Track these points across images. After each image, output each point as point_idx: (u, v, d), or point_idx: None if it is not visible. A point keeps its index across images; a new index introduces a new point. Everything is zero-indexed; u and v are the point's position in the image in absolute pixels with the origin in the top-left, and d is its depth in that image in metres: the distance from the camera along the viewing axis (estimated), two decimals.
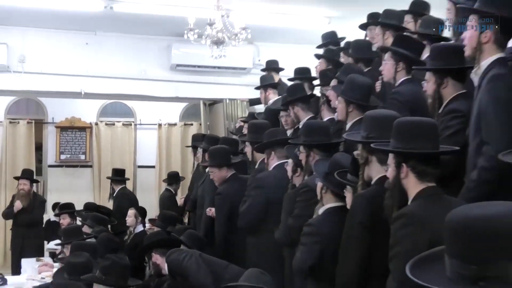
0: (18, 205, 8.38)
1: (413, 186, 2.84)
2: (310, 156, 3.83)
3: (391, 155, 2.93)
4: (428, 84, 3.60)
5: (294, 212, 4.18)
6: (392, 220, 2.85)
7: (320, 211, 3.83)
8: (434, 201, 2.80)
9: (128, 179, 9.38)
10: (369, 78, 4.80)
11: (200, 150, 7.11)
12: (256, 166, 5.55)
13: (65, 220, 7.64)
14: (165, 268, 5.12)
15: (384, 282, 3.03)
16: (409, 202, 2.87)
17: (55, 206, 8.80)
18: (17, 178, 8.78)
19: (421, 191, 2.82)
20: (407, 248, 2.68)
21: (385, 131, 3.16)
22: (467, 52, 3.22)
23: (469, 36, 3.18)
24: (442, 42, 4.19)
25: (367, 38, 5.97)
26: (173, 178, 8.85)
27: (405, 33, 4.86)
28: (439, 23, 4.70)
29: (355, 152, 3.56)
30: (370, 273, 3.29)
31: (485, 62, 3.10)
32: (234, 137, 7.17)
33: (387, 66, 4.23)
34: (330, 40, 6.70)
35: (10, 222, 9.05)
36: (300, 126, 5.04)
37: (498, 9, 3.02)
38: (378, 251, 3.21)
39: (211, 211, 6.09)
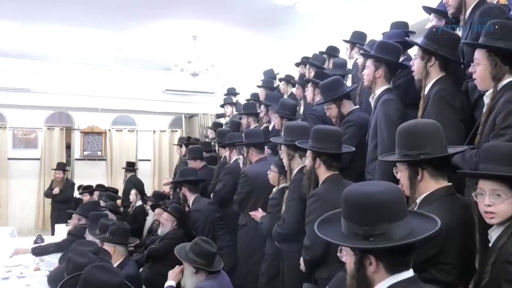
0: (56, 190, 8.28)
1: (323, 173, 2.89)
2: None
3: (309, 151, 2.94)
4: (332, 108, 3.58)
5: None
6: (308, 197, 2.90)
7: (275, 190, 3.74)
8: (335, 184, 2.81)
9: (137, 168, 9.24)
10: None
11: (183, 148, 7.04)
12: (221, 160, 5.44)
13: (86, 197, 7.52)
14: (191, 199, 5.06)
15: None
16: (319, 184, 2.90)
17: (79, 187, 8.66)
18: (54, 169, 8.65)
19: (328, 177, 2.88)
20: (317, 217, 2.68)
21: (301, 136, 3.22)
22: (366, 83, 3.16)
23: (367, 73, 3.10)
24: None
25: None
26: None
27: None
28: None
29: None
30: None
31: (378, 91, 3.05)
32: (208, 140, 7.11)
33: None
34: (269, 76, 6.56)
35: (45, 199, 8.94)
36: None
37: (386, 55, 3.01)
38: None
39: None
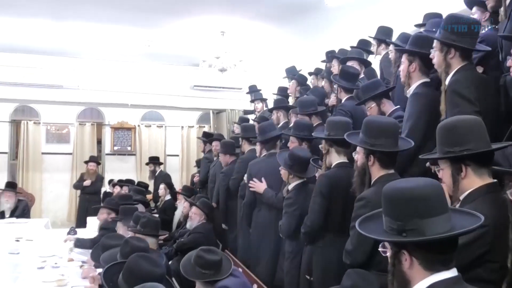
0: (87, 182, 8.46)
1: (376, 172, 2.57)
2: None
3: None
4: (372, 107, 3.51)
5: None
6: (356, 199, 2.62)
7: (290, 187, 3.78)
8: None
9: (162, 163, 9.37)
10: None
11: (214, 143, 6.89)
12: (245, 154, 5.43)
13: (116, 190, 7.68)
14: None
15: (337, 237, 3.00)
16: (372, 182, 2.61)
17: (110, 181, 8.84)
18: (86, 162, 8.84)
19: (381, 177, 2.54)
20: None
21: (339, 130, 3.14)
22: (402, 79, 3.06)
23: (402, 68, 3.01)
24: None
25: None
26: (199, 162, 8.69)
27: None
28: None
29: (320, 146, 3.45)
30: (326, 229, 3.22)
31: (413, 86, 2.94)
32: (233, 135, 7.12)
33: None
34: (292, 73, 6.47)
35: (77, 192, 9.13)
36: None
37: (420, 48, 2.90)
38: (332, 214, 3.19)
39: None
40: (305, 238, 3.41)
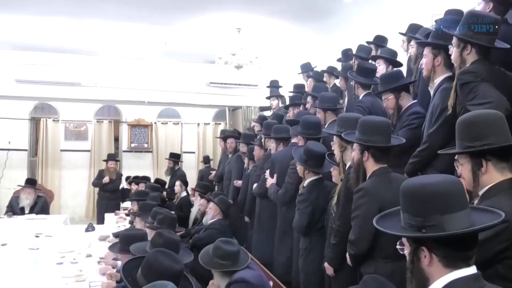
0: (106, 179, 8.43)
1: (371, 166, 2.78)
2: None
3: (356, 144, 2.82)
4: (389, 99, 3.45)
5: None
6: (354, 192, 2.79)
7: (305, 184, 3.79)
8: (383, 178, 2.73)
9: (182, 161, 9.40)
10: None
11: (228, 140, 7.01)
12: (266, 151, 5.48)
13: (134, 187, 7.74)
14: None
15: None
16: (367, 178, 2.80)
17: (127, 178, 8.92)
18: (106, 161, 8.79)
19: (376, 170, 2.76)
20: (363, 212, 2.68)
21: (351, 127, 3.09)
22: (425, 73, 3.03)
23: (425, 62, 3.00)
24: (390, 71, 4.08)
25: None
26: (207, 158, 8.93)
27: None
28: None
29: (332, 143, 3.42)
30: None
31: (437, 80, 2.93)
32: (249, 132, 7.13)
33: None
34: (307, 69, 6.53)
35: (95, 189, 9.20)
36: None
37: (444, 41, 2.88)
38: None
39: (237, 183, 6.10)
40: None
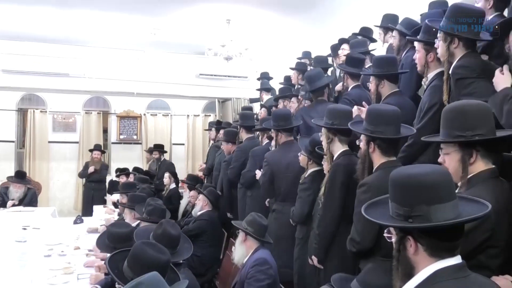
0: (91, 169, 8.48)
1: (377, 158, 2.59)
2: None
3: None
4: (372, 84, 3.41)
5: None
6: (358, 186, 2.66)
7: (307, 173, 3.76)
8: (389, 172, 2.54)
9: (166, 151, 9.38)
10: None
11: (212, 130, 7.34)
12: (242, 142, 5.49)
13: (123, 179, 7.69)
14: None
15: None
16: (373, 170, 2.63)
17: (117, 170, 8.85)
18: (91, 150, 8.88)
19: (383, 164, 2.57)
20: None
21: (342, 119, 3.10)
22: (419, 68, 2.97)
23: (418, 57, 2.93)
24: (382, 55, 4.04)
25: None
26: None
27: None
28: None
29: (319, 134, 3.42)
30: (345, 219, 3.08)
31: (430, 75, 2.88)
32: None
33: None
34: (304, 56, 6.53)
35: (82, 180, 9.17)
36: None
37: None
38: (350, 205, 2.98)
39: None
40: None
